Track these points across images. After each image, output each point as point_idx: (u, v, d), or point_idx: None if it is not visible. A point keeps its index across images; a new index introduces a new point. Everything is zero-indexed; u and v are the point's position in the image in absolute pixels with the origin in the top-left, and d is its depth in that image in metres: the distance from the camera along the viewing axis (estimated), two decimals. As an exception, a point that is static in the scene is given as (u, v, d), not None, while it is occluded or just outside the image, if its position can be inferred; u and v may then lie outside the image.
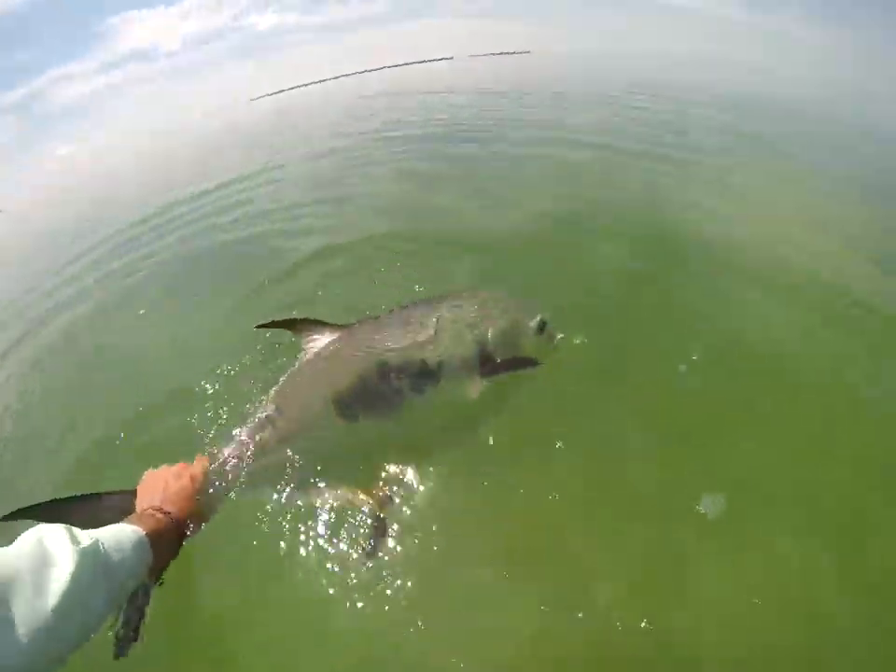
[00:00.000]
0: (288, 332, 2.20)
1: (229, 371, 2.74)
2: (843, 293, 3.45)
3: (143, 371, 3.20)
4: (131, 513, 1.44)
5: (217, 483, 1.78)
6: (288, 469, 1.90)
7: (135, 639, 1.21)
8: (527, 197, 5.27)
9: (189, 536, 1.48)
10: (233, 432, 1.93)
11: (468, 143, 8.07)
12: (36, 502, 1.46)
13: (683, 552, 1.85)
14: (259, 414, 1.95)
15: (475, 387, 2.00)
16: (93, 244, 7.02)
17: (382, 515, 1.82)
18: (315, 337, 2.08)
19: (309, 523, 1.89)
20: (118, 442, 2.50)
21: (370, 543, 1.75)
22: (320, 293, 3.49)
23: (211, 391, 2.61)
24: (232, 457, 1.87)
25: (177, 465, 1.65)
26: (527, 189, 5.62)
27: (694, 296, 3.38)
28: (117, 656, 1.22)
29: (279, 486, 1.89)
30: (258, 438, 1.90)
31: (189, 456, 1.90)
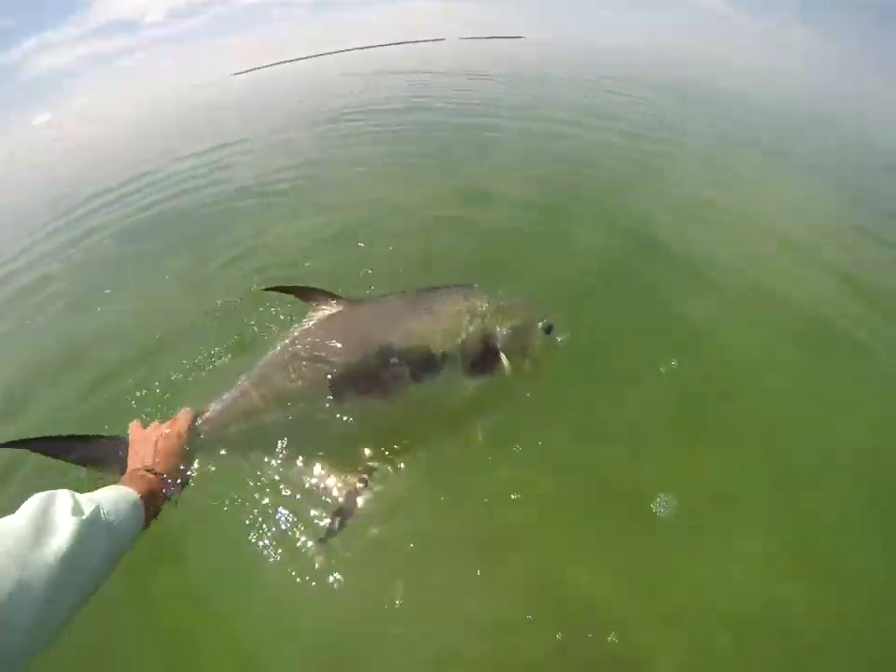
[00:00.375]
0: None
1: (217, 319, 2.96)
2: (811, 314, 3.51)
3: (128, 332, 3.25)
4: (122, 458, 1.59)
5: (199, 437, 1.80)
6: (270, 437, 1.88)
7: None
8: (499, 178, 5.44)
9: (173, 491, 1.53)
10: (223, 392, 1.91)
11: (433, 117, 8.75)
12: (38, 436, 1.60)
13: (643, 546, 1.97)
14: (251, 377, 1.93)
15: (474, 383, 1.98)
16: (57, 213, 6.96)
17: (349, 499, 1.81)
18: (321, 307, 2.07)
19: (280, 495, 1.91)
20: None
21: (332, 524, 1.76)
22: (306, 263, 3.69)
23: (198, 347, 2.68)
24: (218, 415, 1.86)
25: (164, 424, 1.72)
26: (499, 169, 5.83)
27: (671, 295, 3.45)
28: None
29: (258, 452, 1.88)
30: (245, 399, 1.88)
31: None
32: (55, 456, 1.64)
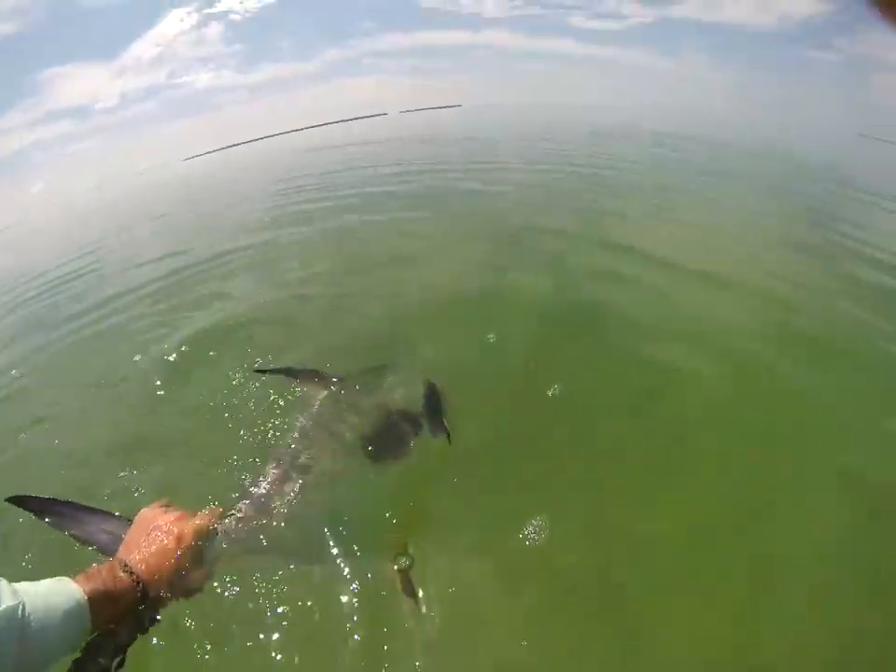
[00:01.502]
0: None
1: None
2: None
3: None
4: (116, 548, 1.35)
5: (219, 546, 1.53)
6: (306, 531, 1.73)
7: None
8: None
9: (162, 604, 1.27)
10: (248, 486, 1.76)
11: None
12: (43, 496, 1.45)
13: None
14: (278, 466, 1.82)
15: (442, 434, 2.15)
16: None
17: (406, 583, 1.76)
18: (316, 386, 2.14)
19: (325, 597, 1.79)
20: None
21: (415, 606, 1.72)
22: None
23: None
24: (245, 516, 1.66)
25: (174, 515, 1.43)
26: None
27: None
28: None
29: (293, 551, 1.72)
30: (277, 492, 1.74)
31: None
32: (55, 525, 1.46)
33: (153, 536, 1.35)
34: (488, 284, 4.52)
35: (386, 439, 2.02)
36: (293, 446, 1.93)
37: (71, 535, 1.48)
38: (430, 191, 8.80)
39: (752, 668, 1.97)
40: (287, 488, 1.76)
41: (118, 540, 1.39)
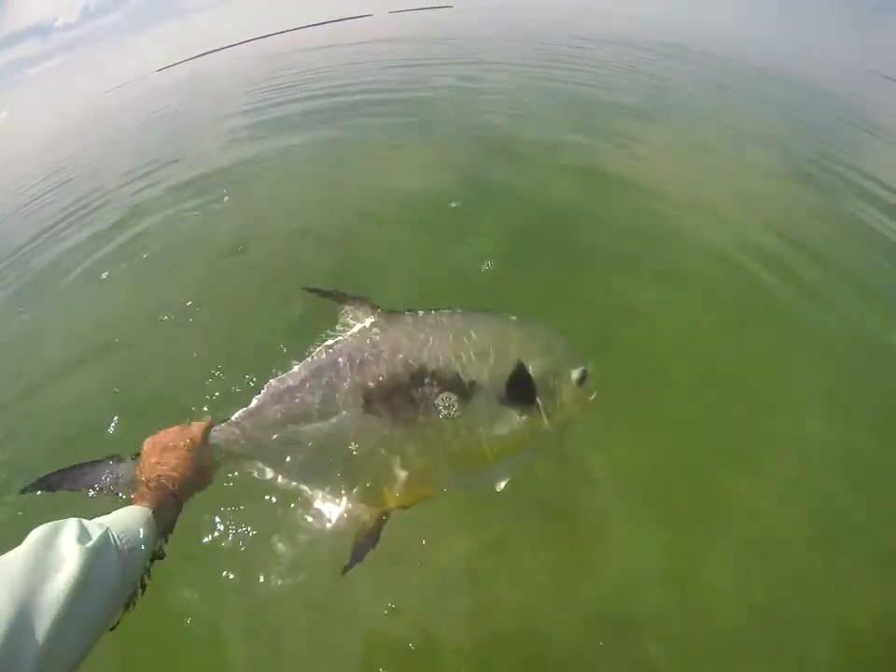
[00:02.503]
0: None
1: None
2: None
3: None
4: (134, 480, 1.53)
5: (216, 447, 1.73)
6: (294, 453, 1.79)
7: (125, 609, 1.21)
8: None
9: (185, 501, 1.50)
10: (252, 400, 1.84)
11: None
12: (53, 471, 1.58)
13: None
14: (280, 385, 1.85)
15: (508, 420, 1.85)
16: None
17: (373, 529, 1.73)
18: (358, 315, 1.96)
19: (297, 515, 1.96)
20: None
21: (355, 554, 1.70)
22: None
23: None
24: (239, 424, 1.79)
25: (175, 428, 1.65)
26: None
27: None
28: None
29: (279, 468, 1.80)
30: (272, 409, 1.81)
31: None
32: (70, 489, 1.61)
33: (167, 449, 1.55)
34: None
35: (416, 395, 1.79)
36: (313, 375, 1.84)
37: (88, 490, 1.62)
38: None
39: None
40: (283, 405, 1.80)
41: (131, 475, 1.58)
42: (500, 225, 4.16)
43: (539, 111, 7.48)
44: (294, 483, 1.81)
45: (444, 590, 2.10)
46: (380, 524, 1.74)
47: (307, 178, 5.68)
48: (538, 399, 1.85)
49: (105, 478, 1.64)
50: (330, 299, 1.99)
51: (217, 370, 2.72)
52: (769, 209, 4.97)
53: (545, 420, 1.86)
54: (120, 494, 1.59)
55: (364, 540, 1.71)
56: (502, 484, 1.86)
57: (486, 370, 1.83)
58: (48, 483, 1.60)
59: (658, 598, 2.12)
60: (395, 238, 4.09)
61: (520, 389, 1.83)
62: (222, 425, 1.79)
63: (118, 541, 1.08)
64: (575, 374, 1.90)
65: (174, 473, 1.49)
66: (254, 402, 1.85)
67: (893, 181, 6.41)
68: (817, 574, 2.23)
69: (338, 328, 1.95)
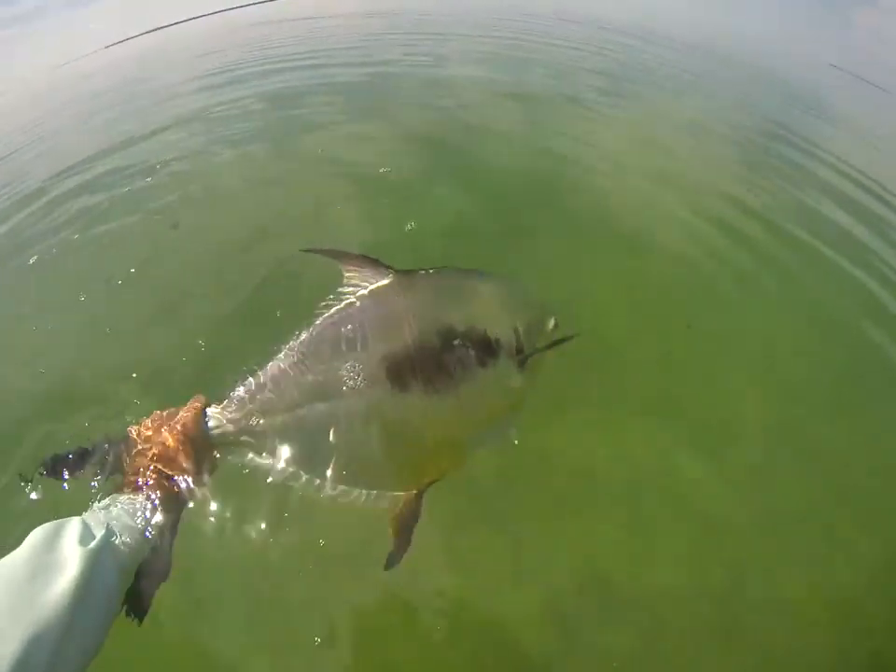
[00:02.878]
0: None
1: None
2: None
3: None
4: (121, 461, 1.44)
5: (214, 432, 1.54)
6: (307, 433, 1.57)
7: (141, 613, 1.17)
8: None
9: (183, 494, 1.38)
10: (248, 377, 1.62)
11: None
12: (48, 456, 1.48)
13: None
14: (286, 357, 1.63)
15: (520, 377, 1.80)
16: None
17: (409, 517, 1.55)
18: (366, 277, 1.77)
19: (315, 507, 1.78)
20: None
21: (398, 549, 1.53)
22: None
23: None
24: (238, 408, 1.57)
25: (167, 412, 1.51)
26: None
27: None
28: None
29: (288, 452, 1.56)
30: (280, 385, 1.59)
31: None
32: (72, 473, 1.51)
33: (156, 435, 1.41)
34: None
35: (433, 368, 1.64)
36: (313, 343, 1.66)
37: (87, 474, 1.51)
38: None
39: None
40: (290, 382, 1.60)
41: (122, 459, 1.46)
42: (450, 192, 4.19)
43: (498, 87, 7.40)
44: (313, 476, 1.58)
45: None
46: (420, 501, 1.58)
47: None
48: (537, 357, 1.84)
49: (99, 460, 1.51)
50: (331, 258, 1.80)
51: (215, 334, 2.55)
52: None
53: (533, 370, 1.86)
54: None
55: (408, 522, 1.55)
56: (514, 433, 1.94)
57: (502, 328, 1.77)
58: (49, 467, 1.49)
59: (616, 582, 2.11)
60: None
61: (524, 344, 1.80)
62: (218, 408, 1.58)
63: (120, 538, 1.05)
64: (551, 324, 1.93)
65: (166, 468, 1.36)
66: (256, 379, 1.63)
67: (843, 163, 6.72)
68: (770, 557, 2.25)
69: (346, 289, 1.77)
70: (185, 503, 1.39)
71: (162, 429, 1.45)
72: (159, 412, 1.54)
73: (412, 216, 3.64)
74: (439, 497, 1.82)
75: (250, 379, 1.63)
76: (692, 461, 2.47)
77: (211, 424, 1.55)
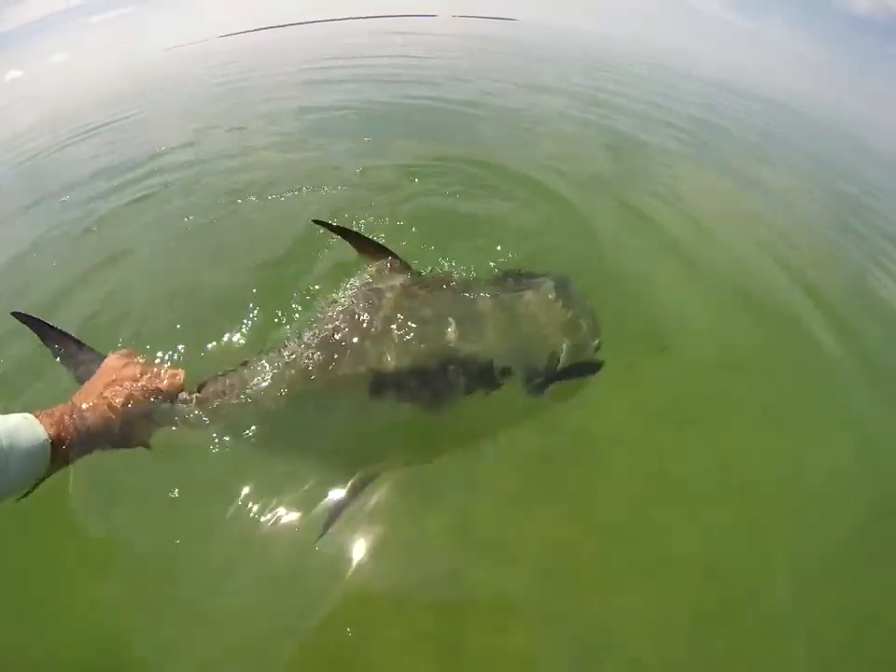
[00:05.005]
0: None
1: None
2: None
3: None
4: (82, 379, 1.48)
5: (168, 411, 1.52)
6: (278, 426, 1.60)
7: None
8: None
9: (95, 450, 1.34)
10: (245, 362, 1.64)
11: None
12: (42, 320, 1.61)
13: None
14: (281, 350, 1.63)
15: (528, 400, 1.73)
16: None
17: (351, 492, 1.61)
18: (379, 270, 1.74)
19: (272, 481, 1.73)
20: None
21: (330, 517, 1.58)
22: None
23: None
24: (220, 390, 1.58)
25: (136, 370, 1.47)
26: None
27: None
28: None
29: (256, 438, 1.59)
30: (261, 377, 1.58)
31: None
32: (51, 345, 1.64)
33: (111, 389, 1.38)
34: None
35: (422, 382, 1.59)
36: (308, 337, 1.63)
37: (59, 357, 1.64)
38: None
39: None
40: (264, 380, 1.57)
41: (90, 375, 1.48)
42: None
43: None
44: (270, 453, 1.66)
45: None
46: (362, 484, 1.62)
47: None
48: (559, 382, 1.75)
49: (76, 360, 1.62)
50: (349, 241, 1.77)
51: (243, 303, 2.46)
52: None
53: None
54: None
55: (344, 499, 1.59)
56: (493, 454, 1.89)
57: (522, 357, 1.68)
58: (42, 328, 1.62)
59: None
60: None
61: (549, 375, 1.71)
62: (198, 394, 1.56)
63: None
64: (594, 345, 1.81)
65: (102, 416, 1.32)
66: (249, 364, 1.62)
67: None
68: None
69: (357, 282, 1.72)
70: (82, 454, 1.32)
71: (125, 379, 1.43)
72: (139, 359, 1.54)
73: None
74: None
75: (232, 375, 1.62)
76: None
77: (181, 409, 1.54)
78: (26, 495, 1.16)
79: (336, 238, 1.89)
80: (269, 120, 6.90)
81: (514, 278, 1.92)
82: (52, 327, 1.62)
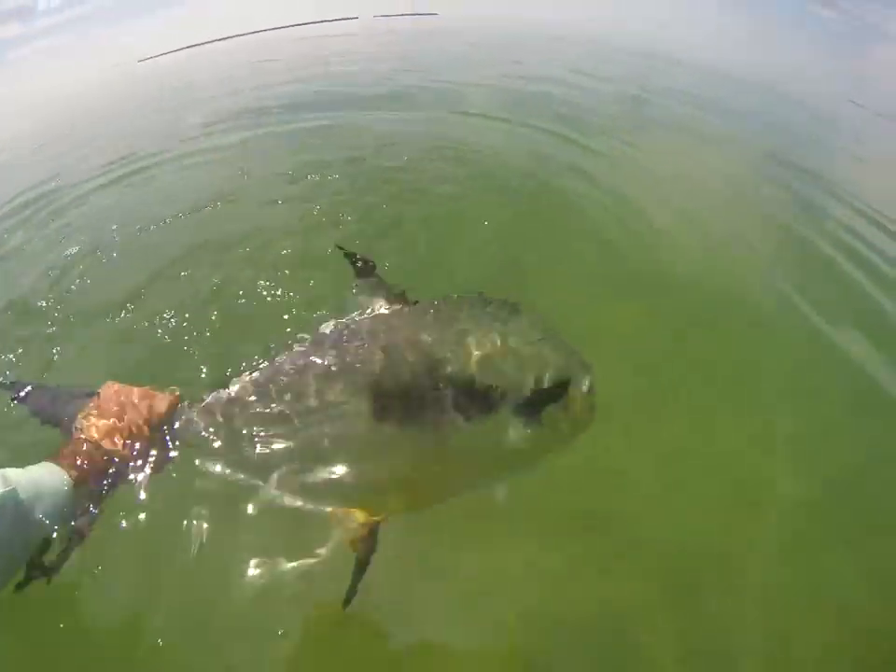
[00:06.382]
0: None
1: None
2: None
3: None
4: (74, 425, 1.44)
5: (181, 432, 1.59)
6: (273, 449, 1.64)
7: (43, 577, 1.18)
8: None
9: (126, 478, 1.39)
10: (231, 379, 1.68)
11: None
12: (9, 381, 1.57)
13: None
14: (269, 368, 1.70)
15: (522, 431, 1.80)
16: None
17: (366, 548, 1.61)
18: (371, 298, 1.84)
19: (270, 525, 1.75)
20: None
21: (354, 582, 1.58)
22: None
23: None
24: (214, 409, 1.63)
25: (143, 389, 1.54)
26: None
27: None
28: (19, 585, 1.18)
29: (253, 466, 1.64)
30: (255, 397, 1.65)
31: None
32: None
33: (124, 413, 1.42)
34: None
35: (418, 403, 1.69)
36: (302, 359, 1.72)
37: (40, 416, 1.59)
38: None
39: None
40: (270, 393, 1.64)
41: (74, 416, 1.49)
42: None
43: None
44: (270, 489, 1.66)
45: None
46: (374, 532, 1.61)
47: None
48: (553, 411, 1.81)
49: (58, 407, 1.57)
50: (351, 264, 1.84)
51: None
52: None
53: (558, 429, 1.84)
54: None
55: (363, 557, 1.58)
56: (503, 493, 1.86)
57: (511, 378, 1.75)
58: (17, 391, 1.58)
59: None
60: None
61: (540, 401, 1.78)
62: (191, 408, 1.62)
63: (19, 501, 1.04)
64: (586, 383, 1.87)
65: (120, 447, 1.36)
66: (236, 385, 1.67)
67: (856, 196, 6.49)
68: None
69: (348, 306, 1.80)
70: (116, 485, 1.39)
71: (129, 407, 1.46)
72: (133, 386, 1.54)
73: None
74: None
75: (229, 388, 1.66)
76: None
77: (181, 425, 1.60)
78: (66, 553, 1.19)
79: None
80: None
81: (484, 304, 2.01)
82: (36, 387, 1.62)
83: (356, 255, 1.88)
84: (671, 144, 7.56)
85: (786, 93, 17.40)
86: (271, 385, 1.68)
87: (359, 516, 1.61)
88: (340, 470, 1.69)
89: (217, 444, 1.65)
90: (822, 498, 2.36)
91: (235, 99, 10.02)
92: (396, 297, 1.84)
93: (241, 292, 2.98)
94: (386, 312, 1.83)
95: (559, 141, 6.33)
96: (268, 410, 1.66)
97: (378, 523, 1.62)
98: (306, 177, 4.88)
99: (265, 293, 2.88)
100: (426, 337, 1.78)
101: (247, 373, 1.74)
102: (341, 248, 1.95)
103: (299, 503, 1.66)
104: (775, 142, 8.71)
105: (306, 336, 1.82)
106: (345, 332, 1.78)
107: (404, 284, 2.33)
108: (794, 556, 2.11)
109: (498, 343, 1.80)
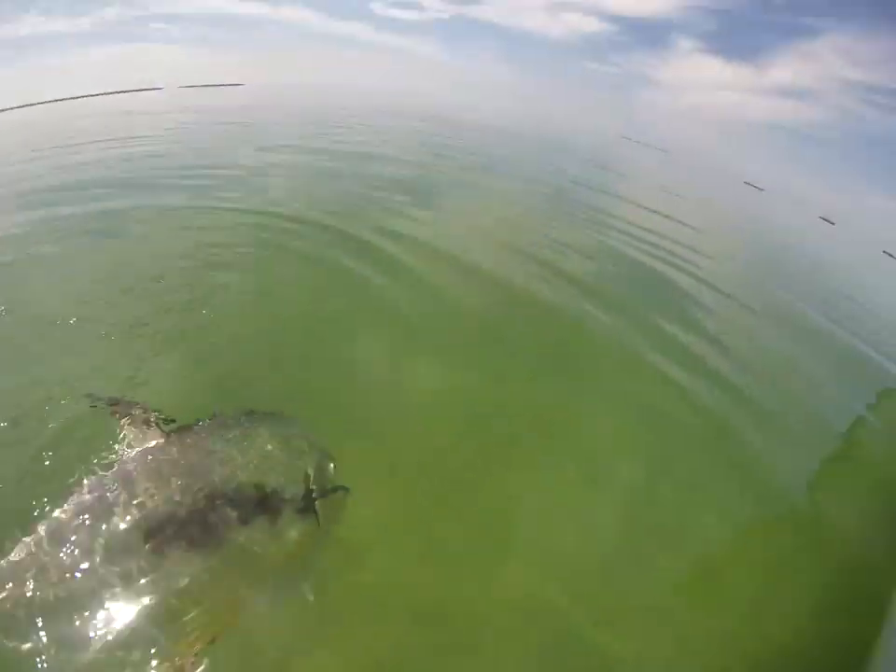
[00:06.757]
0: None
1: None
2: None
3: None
4: None
5: None
6: (72, 612, 1.51)
7: None
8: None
9: None
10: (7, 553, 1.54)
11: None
12: None
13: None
14: (44, 532, 1.58)
15: (294, 529, 1.78)
16: None
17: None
18: (140, 436, 1.77)
19: None
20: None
21: None
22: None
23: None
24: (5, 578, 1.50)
25: None
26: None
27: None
28: None
29: (54, 633, 1.51)
30: (34, 564, 1.52)
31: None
32: None
33: None
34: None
35: (192, 525, 1.60)
36: (82, 515, 1.64)
37: None
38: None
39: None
40: (46, 557, 1.55)
41: None
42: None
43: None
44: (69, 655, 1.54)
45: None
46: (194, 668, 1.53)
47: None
48: (318, 507, 1.85)
49: None
50: (110, 409, 1.91)
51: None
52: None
53: (320, 515, 1.86)
54: None
55: None
56: (308, 588, 1.81)
57: (275, 477, 1.78)
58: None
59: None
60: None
61: (309, 496, 1.82)
62: None
63: None
64: (331, 468, 1.96)
65: None
66: (13, 555, 1.57)
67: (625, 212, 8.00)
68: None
69: (118, 447, 1.79)
70: None
71: None
72: None
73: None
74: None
75: (8, 557, 1.56)
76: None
77: None
78: None
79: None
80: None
81: (244, 419, 2.04)
82: None
83: (107, 398, 1.97)
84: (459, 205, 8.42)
85: (570, 139, 19.77)
86: (48, 547, 1.57)
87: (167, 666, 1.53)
88: (151, 616, 1.60)
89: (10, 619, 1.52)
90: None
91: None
92: (150, 427, 1.83)
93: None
94: (150, 447, 1.77)
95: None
96: (50, 571, 1.55)
97: (192, 662, 1.55)
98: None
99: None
100: (196, 467, 1.72)
101: (31, 535, 1.63)
102: (91, 397, 2.04)
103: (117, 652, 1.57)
104: (559, 182, 10.15)
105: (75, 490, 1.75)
106: (108, 483, 1.70)
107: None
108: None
109: (255, 455, 1.83)
